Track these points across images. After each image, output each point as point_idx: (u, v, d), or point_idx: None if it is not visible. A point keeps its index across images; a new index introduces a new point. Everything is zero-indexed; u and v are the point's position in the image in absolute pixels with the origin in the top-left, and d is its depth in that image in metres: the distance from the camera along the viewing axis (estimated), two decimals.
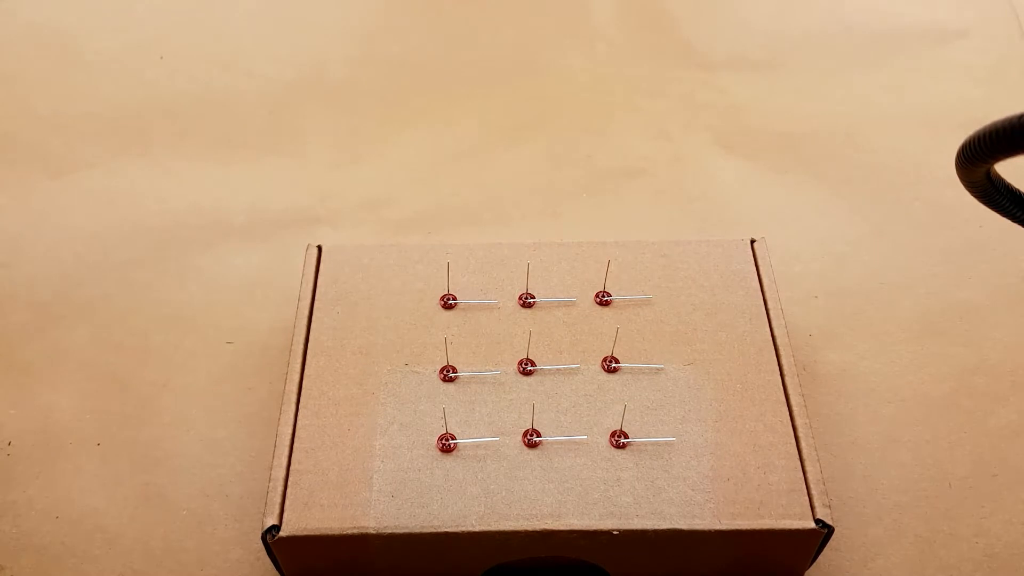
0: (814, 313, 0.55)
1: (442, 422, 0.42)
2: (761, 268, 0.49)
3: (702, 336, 0.46)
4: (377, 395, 0.44)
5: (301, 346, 0.46)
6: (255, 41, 0.74)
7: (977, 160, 0.32)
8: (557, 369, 0.45)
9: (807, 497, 0.40)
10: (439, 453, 0.42)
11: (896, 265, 0.58)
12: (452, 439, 0.42)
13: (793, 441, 0.42)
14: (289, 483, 0.41)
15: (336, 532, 0.39)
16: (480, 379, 0.45)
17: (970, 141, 0.32)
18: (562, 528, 0.39)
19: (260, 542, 0.40)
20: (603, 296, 0.48)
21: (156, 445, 0.49)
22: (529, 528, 0.39)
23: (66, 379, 0.52)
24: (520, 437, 0.42)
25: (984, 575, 0.45)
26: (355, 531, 0.39)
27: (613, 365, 0.45)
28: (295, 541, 0.39)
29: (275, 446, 0.42)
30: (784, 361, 0.45)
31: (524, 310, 0.47)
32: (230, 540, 0.46)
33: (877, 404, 0.51)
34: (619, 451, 0.42)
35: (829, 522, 0.39)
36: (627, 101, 0.70)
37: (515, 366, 0.45)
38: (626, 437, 0.42)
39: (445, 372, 0.45)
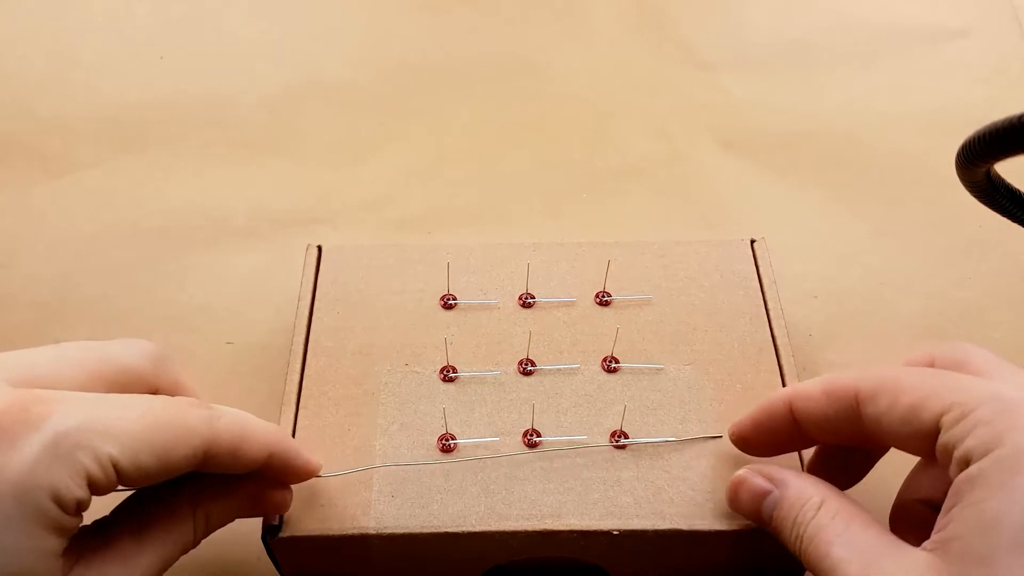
0: (814, 313, 0.55)
1: (442, 422, 0.42)
2: (761, 268, 0.49)
3: (702, 336, 0.46)
4: (377, 395, 0.44)
5: (301, 346, 0.46)
6: (255, 41, 0.74)
7: (977, 160, 0.32)
8: (557, 369, 0.45)
9: None
10: (439, 453, 0.42)
11: (896, 265, 0.58)
12: (452, 439, 0.42)
13: None
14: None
15: (336, 532, 0.39)
16: (480, 379, 0.44)
17: (970, 141, 0.32)
18: (562, 528, 0.39)
19: (260, 542, 0.40)
20: (603, 296, 0.48)
21: None
22: (529, 528, 0.39)
23: None
24: (520, 437, 0.42)
25: None
26: (355, 531, 0.39)
27: (613, 365, 0.45)
28: (295, 541, 0.39)
29: None
30: (784, 361, 0.45)
31: (524, 310, 0.47)
32: (230, 540, 0.46)
33: None
34: (619, 451, 0.42)
35: None
36: (627, 101, 0.70)
37: (515, 366, 0.45)
38: (626, 437, 0.42)
39: (445, 372, 0.45)
